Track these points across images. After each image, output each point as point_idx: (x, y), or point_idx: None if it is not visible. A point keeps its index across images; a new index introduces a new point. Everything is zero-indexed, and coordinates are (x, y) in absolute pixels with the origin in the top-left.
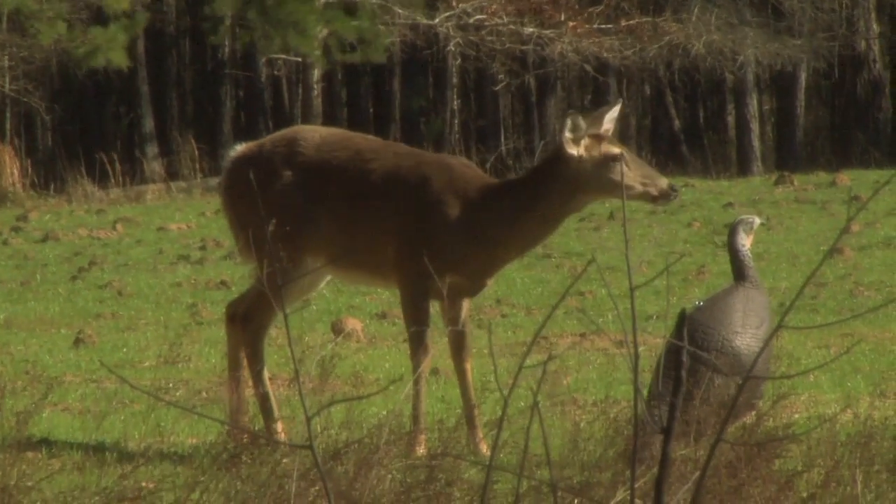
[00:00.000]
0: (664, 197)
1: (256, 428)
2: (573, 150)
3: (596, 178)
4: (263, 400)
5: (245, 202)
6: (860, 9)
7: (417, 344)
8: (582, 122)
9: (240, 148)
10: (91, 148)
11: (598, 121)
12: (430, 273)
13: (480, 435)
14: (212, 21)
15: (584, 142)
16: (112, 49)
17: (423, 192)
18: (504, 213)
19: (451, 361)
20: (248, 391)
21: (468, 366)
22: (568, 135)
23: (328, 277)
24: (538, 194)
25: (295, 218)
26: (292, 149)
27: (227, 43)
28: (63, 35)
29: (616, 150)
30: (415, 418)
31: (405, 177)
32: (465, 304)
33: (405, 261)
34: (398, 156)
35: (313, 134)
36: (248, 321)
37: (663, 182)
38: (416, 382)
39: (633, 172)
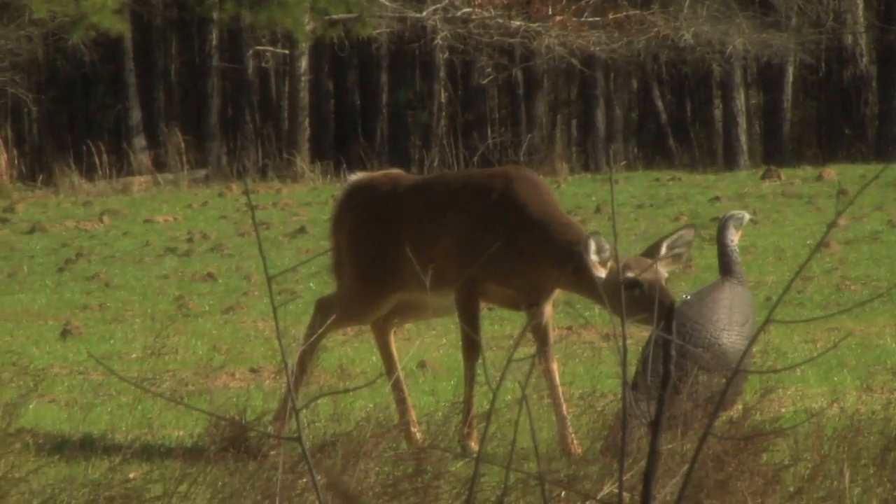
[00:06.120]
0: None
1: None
2: (600, 273)
3: (608, 296)
4: (398, 397)
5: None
6: (847, 2)
7: (469, 347)
8: (605, 243)
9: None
10: (78, 139)
11: (659, 246)
12: (476, 277)
13: (570, 430)
14: None
15: (611, 264)
16: (101, 14)
17: (478, 199)
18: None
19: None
20: (234, 382)
21: (553, 366)
22: (594, 258)
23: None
24: (565, 269)
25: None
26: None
27: (214, 33)
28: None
29: (634, 277)
30: (465, 415)
31: (469, 185)
32: (547, 310)
33: (456, 265)
34: (474, 173)
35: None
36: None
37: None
38: (469, 383)
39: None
